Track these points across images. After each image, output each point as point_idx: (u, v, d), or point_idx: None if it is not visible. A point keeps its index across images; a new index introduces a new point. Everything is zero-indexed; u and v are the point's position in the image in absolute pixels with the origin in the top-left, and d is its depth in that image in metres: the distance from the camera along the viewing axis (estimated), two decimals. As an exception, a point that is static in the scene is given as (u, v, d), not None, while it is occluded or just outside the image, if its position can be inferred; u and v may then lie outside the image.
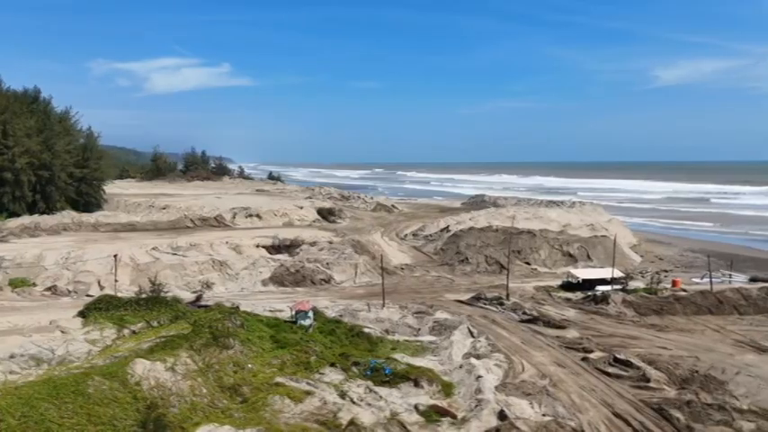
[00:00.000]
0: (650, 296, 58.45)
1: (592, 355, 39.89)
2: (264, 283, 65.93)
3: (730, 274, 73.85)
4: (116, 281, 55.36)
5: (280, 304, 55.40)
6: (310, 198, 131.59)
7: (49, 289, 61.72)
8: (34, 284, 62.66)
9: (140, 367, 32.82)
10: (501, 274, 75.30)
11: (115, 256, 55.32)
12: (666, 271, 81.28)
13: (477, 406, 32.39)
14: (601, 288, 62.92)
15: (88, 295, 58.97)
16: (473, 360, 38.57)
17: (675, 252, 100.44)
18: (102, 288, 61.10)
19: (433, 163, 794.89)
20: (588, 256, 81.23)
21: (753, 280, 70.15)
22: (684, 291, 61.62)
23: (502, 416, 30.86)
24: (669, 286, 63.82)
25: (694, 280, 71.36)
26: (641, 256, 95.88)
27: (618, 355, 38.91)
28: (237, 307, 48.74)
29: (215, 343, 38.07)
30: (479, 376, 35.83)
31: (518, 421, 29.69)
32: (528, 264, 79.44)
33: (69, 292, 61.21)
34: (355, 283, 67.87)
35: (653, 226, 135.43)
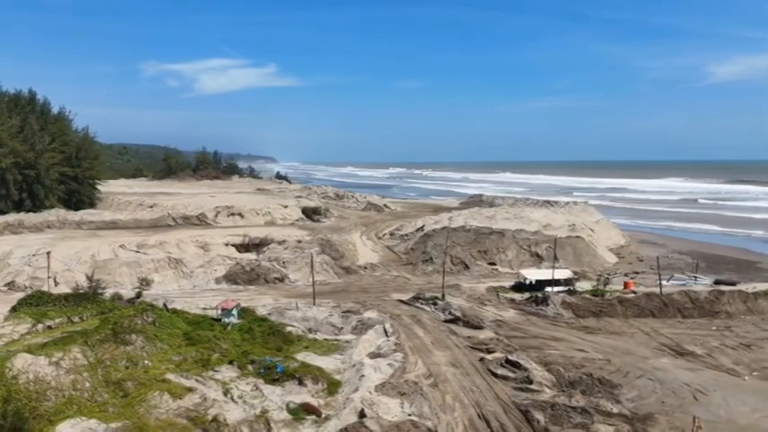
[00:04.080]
0: (593, 298, 57.78)
1: (489, 356, 39.76)
2: (218, 281, 66.97)
3: (695, 276, 72.45)
4: (49, 277, 56.94)
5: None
6: (300, 197, 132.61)
7: (7, 284, 63.66)
8: (-4, 280, 64.70)
9: (21, 361, 33.80)
10: (462, 274, 75.32)
11: (48, 253, 56.89)
12: (637, 272, 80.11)
13: (343, 404, 32.67)
14: (553, 289, 62.35)
15: (42, 290, 60.72)
16: (365, 359, 38.87)
17: (662, 253, 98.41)
18: (57, 284, 62.81)
19: (464, 162, 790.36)
20: (556, 257, 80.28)
21: (716, 283, 68.66)
22: (634, 293, 60.63)
23: (362, 415, 31.09)
24: (621, 287, 62.94)
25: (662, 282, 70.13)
26: (622, 257, 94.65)
27: (510, 357, 38.70)
28: (164, 304, 49.80)
29: (113, 339, 38.97)
30: (362, 376, 36.07)
31: (369, 421, 29.89)
32: (493, 264, 79.02)
33: (26, 287, 62.92)
34: (309, 281, 68.26)
35: (653, 227, 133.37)
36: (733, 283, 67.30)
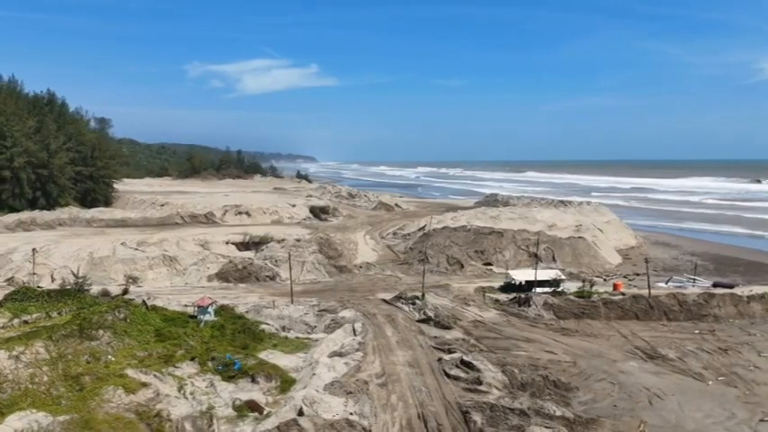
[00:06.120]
0: (577, 299, 56.95)
1: (446, 357, 39.62)
2: (210, 278, 67.94)
3: (694, 279, 70.87)
4: (34, 273, 58.44)
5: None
6: (311, 196, 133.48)
7: (7, 280, 65.61)
8: (-3, 275, 66.77)
9: (-21, 355, 35.00)
10: (455, 274, 74.96)
11: (34, 250, 58.43)
12: (638, 274, 78.52)
13: (285, 402, 32.99)
14: (539, 290, 61.72)
15: (38, 286, 62.46)
16: (322, 358, 39.11)
17: (673, 255, 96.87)
18: (53, 280, 64.59)
19: (498, 161, 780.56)
20: (553, 258, 79.40)
21: (715, 285, 67.11)
22: (623, 294, 59.63)
23: (301, 413, 31.36)
24: (610, 289, 62.02)
25: (659, 284, 68.81)
26: (628, 258, 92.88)
27: (465, 357, 38.50)
28: (144, 301, 50.77)
29: (79, 334, 39.99)
30: (314, 374, 36.34)
31: (303, 419, 30.20)
32: (489, 264, 78.44)
33: (24, 283, 64.75)
34: (299, 280, 68.85)
35: (671, 227, 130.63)
36: (731, 286, 65.71)
